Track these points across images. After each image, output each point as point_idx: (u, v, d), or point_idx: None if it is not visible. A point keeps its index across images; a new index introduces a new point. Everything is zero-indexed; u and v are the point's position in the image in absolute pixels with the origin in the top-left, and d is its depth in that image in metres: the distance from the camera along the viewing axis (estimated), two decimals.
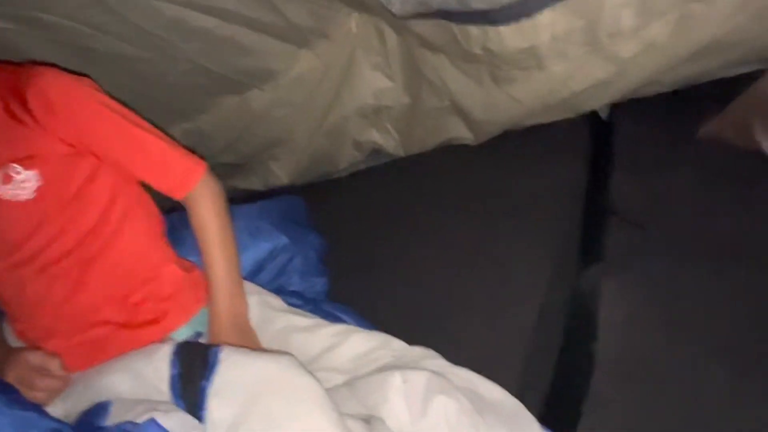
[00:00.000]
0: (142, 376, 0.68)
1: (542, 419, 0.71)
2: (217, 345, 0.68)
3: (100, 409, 0.66)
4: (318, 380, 0.64)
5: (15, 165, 0.69)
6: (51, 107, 0.70)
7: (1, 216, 0.70)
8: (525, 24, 0.85)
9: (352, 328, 0.81)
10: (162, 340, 0.75)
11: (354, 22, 1.28)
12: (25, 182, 0.69)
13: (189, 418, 0.63)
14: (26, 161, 0.69)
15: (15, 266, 0.72)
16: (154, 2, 1.00)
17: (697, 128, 1.08)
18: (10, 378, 0.68)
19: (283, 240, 1.02)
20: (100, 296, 0.75)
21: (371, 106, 1.36)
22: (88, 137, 0.73)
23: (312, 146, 1.46)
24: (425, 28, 1.00)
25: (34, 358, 0.70)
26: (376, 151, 1.46)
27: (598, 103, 1.11)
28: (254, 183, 1.56)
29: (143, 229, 0.81)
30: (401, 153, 1.40)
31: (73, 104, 0.72)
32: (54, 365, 0.70)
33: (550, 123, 1.15)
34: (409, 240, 1.18)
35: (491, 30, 0.89)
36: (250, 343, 0.76)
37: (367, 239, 1.24)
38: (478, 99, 1.11)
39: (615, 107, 1.18)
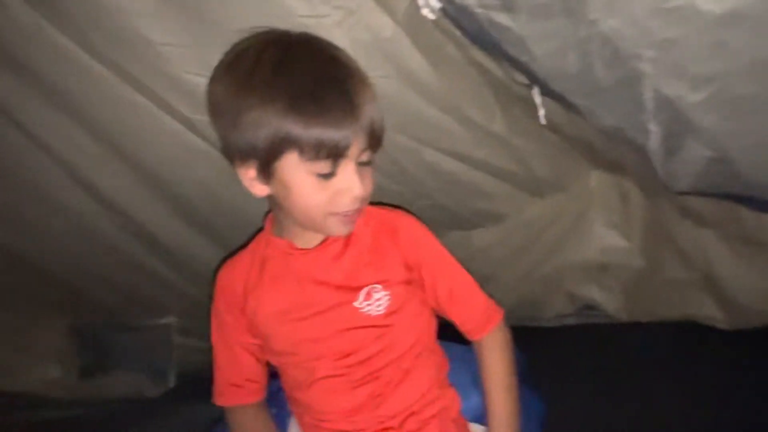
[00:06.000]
0: None
1: None
2: None
3: None
4: None
5: (377, 285, 0.78)
6: (413, 238, 0.82)
7: (352, 325, 0.78)
8: None
9: None
10: None
11: (594, 179, 1.27)
12: (380, 300, 0.78)
13: None
14: (384, 283, 0.79)
15: (343, 368, 0.79)
16: (420, 147, 1.11)
17: None
18: None
19: None
20: (397, 407, 0.80)
21: (596, 262, 1.30)
22: (426, 263, 0.82)
23: (521, 289, 1.42)
24: (699, 203, 0.95)
25: None
26: (590, 307, 1.37)
27: None
28: None
29: (437, 357, 0.87)
30: (623, 317, 1.29)
31: (424, 236, 0.84)
32: None
33: None
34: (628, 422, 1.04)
35: None
36: None
37: (577, 403, 1.12)
38: (747, 283, 1.00)
39: None
